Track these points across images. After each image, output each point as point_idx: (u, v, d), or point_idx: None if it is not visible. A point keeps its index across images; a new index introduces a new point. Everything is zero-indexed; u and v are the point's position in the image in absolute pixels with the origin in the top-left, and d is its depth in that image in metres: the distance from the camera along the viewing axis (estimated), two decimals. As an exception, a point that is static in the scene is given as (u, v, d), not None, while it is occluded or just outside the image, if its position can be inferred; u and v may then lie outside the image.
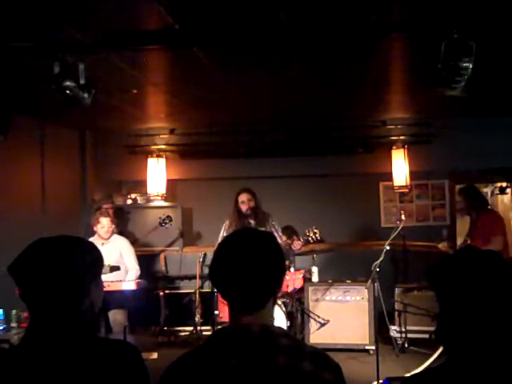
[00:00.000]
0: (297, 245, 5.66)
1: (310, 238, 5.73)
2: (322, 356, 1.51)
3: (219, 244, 1.59)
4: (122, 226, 7.00)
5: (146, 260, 7.09)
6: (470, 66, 3.27)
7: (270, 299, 1.54)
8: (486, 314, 1.42)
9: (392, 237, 5.49)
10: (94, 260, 1.66)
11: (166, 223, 7.23)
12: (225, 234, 5.71)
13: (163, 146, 7.60)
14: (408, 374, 5.35)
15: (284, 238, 5.77)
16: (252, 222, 5.61)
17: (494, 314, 1.42)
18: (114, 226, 5.91)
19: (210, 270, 1.58)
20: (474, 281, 1.45)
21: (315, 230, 5.73)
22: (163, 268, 7.89)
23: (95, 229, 5.85)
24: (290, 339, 1.51)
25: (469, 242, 5.85)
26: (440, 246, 5.95)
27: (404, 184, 7.35)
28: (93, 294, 1.64)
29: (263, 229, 5.51)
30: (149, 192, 7.56)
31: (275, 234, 5.65)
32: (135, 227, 7.62)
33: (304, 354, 1.47)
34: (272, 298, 1.55)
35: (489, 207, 6.54)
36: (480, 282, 1.44)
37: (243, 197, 5.68)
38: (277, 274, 1.55)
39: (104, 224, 5.80)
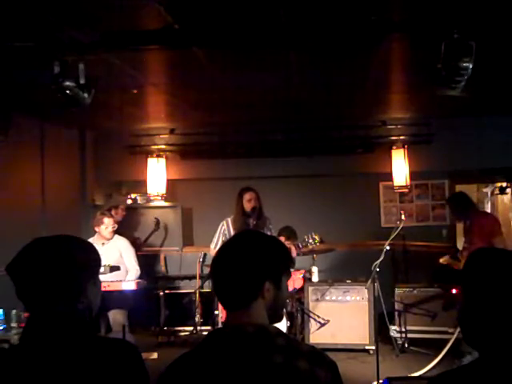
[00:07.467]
0: (292, 252, 5.61)
1: (309, 244, 5.70)
2: (318, 354, 1.51)
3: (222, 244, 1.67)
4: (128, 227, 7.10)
5: (146, 260, 7.09)
6: (470, 66, 3.28)
7: (251, 299, 1.55)
8: None
9: (392, 237, 5.48)
10: (90, 259, 1.67)
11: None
12: (221, 237, 5.53)
13: (163, 146, 7.60)
14: (415, 374, 5.28)
15: (283, 239, 5.74)
16: (252, 221, 5.55)
17: None
18: (116, 226, 5.95)
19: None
20: (505, 279, 1.43)
21: (314, 236, 5.70)
22: (163, 268, 7.90)
23: (97, 229, 5.88)
24: (285, 338, 1.52)
25: (466, 245, 5.72)
26: (442, 260, 5.83)
27: (404, 184, 7.35)
28: (90, 293, 1.64)
29: (261, 231, 5.48)
30: (149, 192, 7.57)
31: None
32: (135, 227, 7.64)
33: (300, 353, 1.48)
34: (255, 299, 1.55)
35: (483, 210, 6.37)
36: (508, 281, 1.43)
37: (249, 195, 5.48)
38: (255, 275, 1.56)
39: (107, 224, 5.84)
